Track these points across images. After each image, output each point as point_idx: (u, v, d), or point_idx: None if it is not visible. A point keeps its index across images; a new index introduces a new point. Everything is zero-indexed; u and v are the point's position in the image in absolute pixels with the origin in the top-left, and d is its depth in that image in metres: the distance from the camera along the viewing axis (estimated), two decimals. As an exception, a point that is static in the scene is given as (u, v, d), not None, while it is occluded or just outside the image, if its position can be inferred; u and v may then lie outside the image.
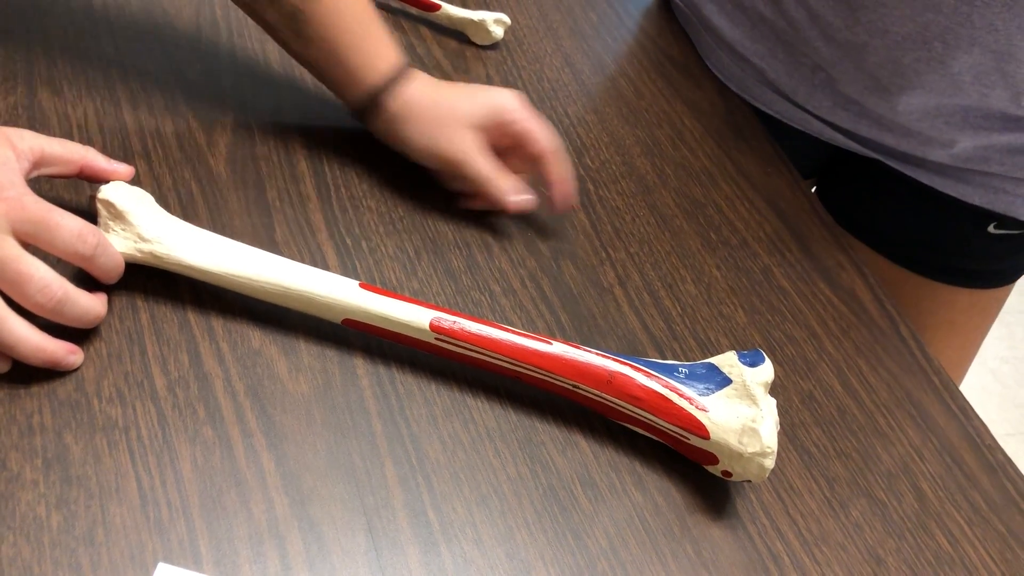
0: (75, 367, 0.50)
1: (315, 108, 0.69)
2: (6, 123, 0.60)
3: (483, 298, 0.62)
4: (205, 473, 0.48)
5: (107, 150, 0.55)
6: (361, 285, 0.54)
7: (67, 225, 0.48)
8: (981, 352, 2.09)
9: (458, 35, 0.81)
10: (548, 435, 0.56)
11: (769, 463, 0.52)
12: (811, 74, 0.81)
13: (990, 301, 0.89)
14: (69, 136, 0.54)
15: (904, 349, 0.70)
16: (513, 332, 0.55)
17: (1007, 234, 0.83)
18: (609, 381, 0.54)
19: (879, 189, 0.87)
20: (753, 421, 0.53)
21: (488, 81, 0.78)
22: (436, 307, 0.54)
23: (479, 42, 0.81)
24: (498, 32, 0.80)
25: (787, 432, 0.61)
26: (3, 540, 0.44)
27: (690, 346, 0.64)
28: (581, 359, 0.54)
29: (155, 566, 0.45)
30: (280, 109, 0.68)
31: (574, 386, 0.54)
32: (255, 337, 0.55)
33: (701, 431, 0.53)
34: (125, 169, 0.55)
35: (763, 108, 0.86)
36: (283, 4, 0.59)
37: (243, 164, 0.64)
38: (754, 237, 0.74)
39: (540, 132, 0.64)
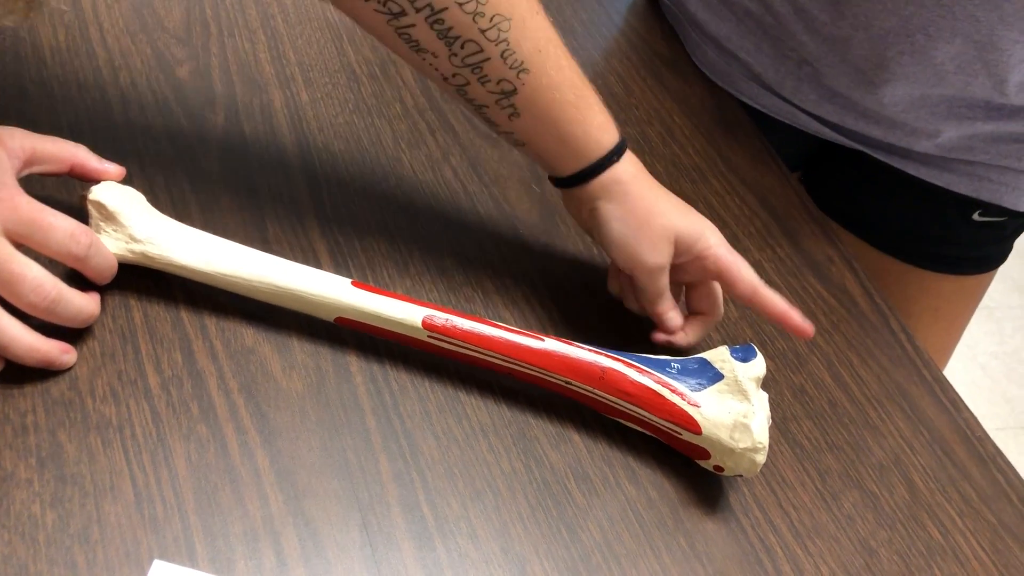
0: (69, 366, 0.50)
1: (307, 107, 0.69)
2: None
3: (475, 295, 0.62)
4: (200, 470, 0.48)
5: (98, 149, 0.55)
6: (353, 283, 0.54)
7: (60, 226, 0.48)
8: (971, 347, 2.10)
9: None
10: (541, 430, 0.56)
11: (760, 458, 0.53)
12: (797, 68, 0.81)
13: (974, 287, 0.90)
14: (60, 135, 0.54)
15: (894, 342, 0.70)
16: (505, 329, 0.55)
17: (992, 221, 0.84)
18: (601, 377, 0.54)
19: (865, 180, 0.87)
20: (745, 417, 0.53)
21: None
22: (428, 304, 0.54)
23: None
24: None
25: (779, 425, 0.61)
26: (-2, 539, 0.44)
27: (682, 341, 0.64)
28: (573, 355, 0.55)
29: (150, 563, 0.45)
30: (271, 108, 0.68)
31: (566, 382, 0.55)
32: (248, 335, 0.55)
33: (693, 427, 0.54)
34: (116, 169, 0.55)
35: (750, 102, 0.87)
36: (492, 79, 0.54)
37: (235, 163, 0.64)
38: (744, 232, 0.74)
39: (746, 271, 0.60)
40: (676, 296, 0.62)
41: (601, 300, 0.64)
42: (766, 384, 0.63)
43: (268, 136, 0.66)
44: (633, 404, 0.54)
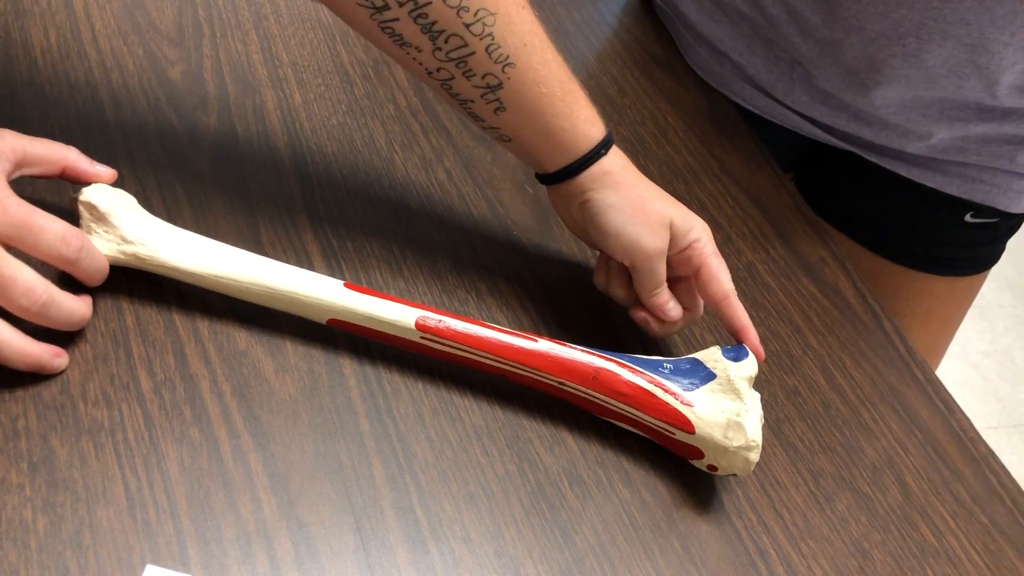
0: (60, 370, 0.50)
1: (300, 109, 0.69)
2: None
3: (469, 297, 0.62)
4: (192, 475, 0.48)
5: (90, 151, 0.54)
6: (346, 285, 0.54)
7: (50, 228, 0.48)
8: (963, 345, 2.10)
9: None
10: (535, 433, 0.56)
11: (754, 456, 0.53)
12: (789, 69, 0.81)
13: (966, 288, 0.90)
14: (51, 138, 0.54)
15: (888, 343, 0.70)
16: (499, 330, 0.55)
17: (983, 222, 0.84)
18: (594, 377, 0.54)
19: (858, 182, 0.87)
20: (738, 415, 0.53)
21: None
22: (422, 306, 0.54)
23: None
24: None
25: (772, 427, 0.61)
26: (-11, 544, 0.44)
27: (675, 342, 0.64)
28: (566, 356, 0.54)
29: (143, 569, 0.44)
30: (264, 109, 0.68)
31: (560, 383, 0.55)
32: (241, 338, 0.54)
33: (686, 426, 0.54)
34: (107, 172, 0.54)
35: (743, 104, 0.87)
36: (477, 74, 0.54)
37: (227, 164, 0.64)
38: (738, 233, 0.74)
39: (725, 274, 0.60)
40: None
41: (594, 301, 0.64)
42: (759, 386, 0.63)
43: (261, 137, 0.66)
44: (626, 404, 0.54)
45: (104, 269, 0.52)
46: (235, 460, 0.49)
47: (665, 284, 0.59)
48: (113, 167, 0.55)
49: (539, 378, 0.55)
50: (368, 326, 0.54)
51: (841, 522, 0.58)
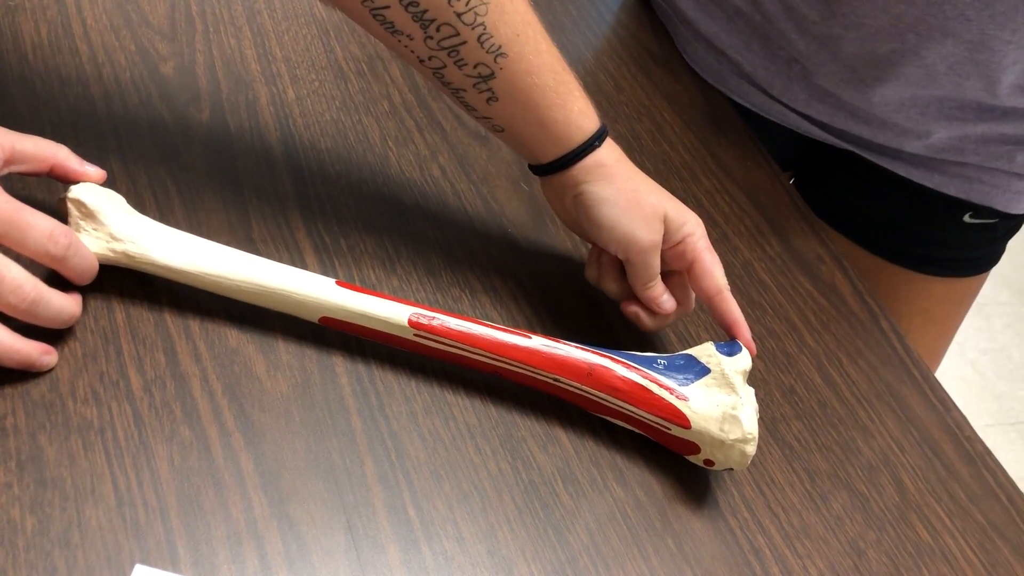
0: (49, 368, 0.50)
1: (293, 105, 0.69)
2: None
3: (463, 294, 0.61)
4: (182, 473, 0.48)
5: (81, 146, 0.54)
6: (338, 283, 0.54)
7: (38, 225, 0.48)
8: (960, 343, 2.10)
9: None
10: (529, 431, 0.55)
11: (751, 449, 0.53)
12: (787, 67, 0.81)
13: (965, 290, 0.90)
14: (42, 134, 0.53)
15: (884, 342, 0.70)
16: (492, 327, 0.54)
17: (982, 223, 0.84)
18: (589, 373, 0.54)
19: (856, 181, 0.87)
20: (733, 408, 0.53)
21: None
22: (415, 304, 0.54)
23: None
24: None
25: (768, 426, 0.61)
26: (-24, 544, 0.43)
27: (669, 339, 0.64)
28: (560, 352, 0.54)
29: (132, 568, 0.44)
30: (257, 105, 0.68)
31: (554, 380, 0.54)
32: (232, 336, 0.54)
33: (682, 420, 0.53)
34: (96, 172, 0.54)
35: (740, 101, 0.86)
36: (469, 63, 0.54)
37: (220, 160, 0.63)
38: (734, 231, 0.74)
39: (719, 269, 0.59)
40: None
41: (589, 298, 0.64)
42: (755, 383, 0.63)
43: (254, 133, 0.66)
44: (621, 400, 0.54)
45: (93, 267, 0.51)
46: (226, 459, 0.49)
47: (659, 277, 0.59)
48: (104, 162, 0.55)
49: (533, 375, 0.54)
50: (361, 324, 0.53)
51: (837, 521, 0.57)
